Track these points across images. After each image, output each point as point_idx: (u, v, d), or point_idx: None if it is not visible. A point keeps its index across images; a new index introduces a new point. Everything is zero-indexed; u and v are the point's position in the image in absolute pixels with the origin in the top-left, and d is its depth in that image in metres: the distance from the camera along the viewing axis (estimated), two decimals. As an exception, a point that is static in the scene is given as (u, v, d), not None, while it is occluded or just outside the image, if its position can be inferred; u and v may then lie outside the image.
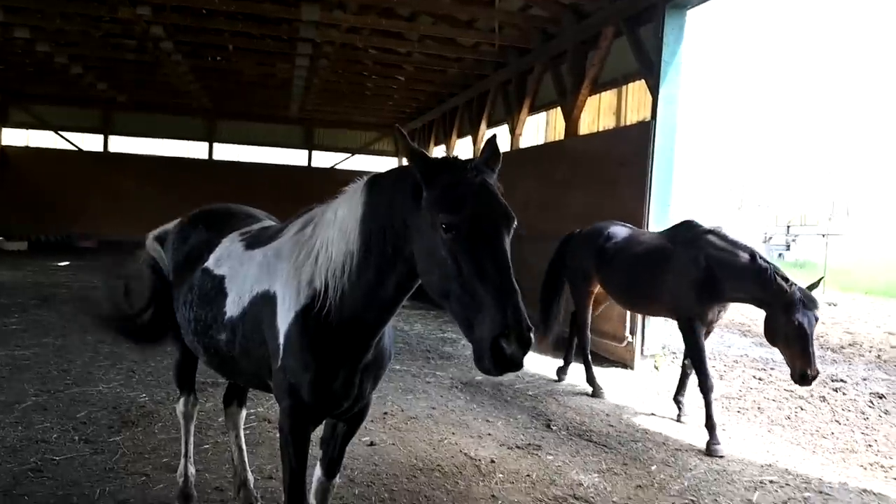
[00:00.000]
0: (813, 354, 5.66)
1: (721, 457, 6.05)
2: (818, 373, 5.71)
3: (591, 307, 8.33)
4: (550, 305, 8.50)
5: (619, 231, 7.87)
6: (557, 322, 8.50)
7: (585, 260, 7.92)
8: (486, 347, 2.36)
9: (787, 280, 5.80)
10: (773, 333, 5.90)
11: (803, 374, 5.65)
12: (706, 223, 6.84)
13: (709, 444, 6.20)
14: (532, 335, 2.37)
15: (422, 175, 2.65)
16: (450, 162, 2.70)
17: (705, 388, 6.37)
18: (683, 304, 6.62)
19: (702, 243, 6.56)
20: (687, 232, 6.89)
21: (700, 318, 6.54)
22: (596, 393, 7.95)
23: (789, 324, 5.66)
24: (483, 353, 2.39)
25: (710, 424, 6.27)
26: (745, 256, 6.15)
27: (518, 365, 2.39)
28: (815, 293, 5.87)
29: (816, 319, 5.74)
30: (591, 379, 8.08)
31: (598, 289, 8.11)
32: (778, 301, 5.76)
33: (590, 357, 8.20)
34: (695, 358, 6.58)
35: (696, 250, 6.55)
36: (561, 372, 8.61)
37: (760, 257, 6.07)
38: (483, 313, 2.40)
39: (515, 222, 2.62)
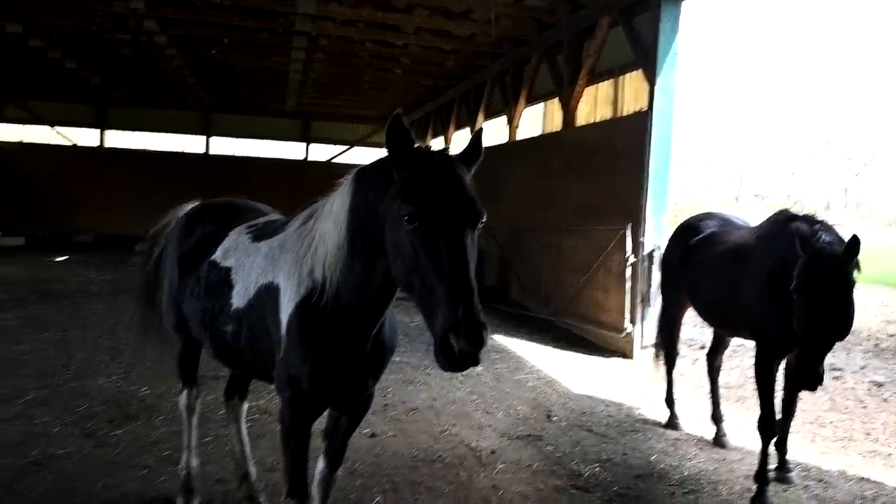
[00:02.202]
0: None
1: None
2: None
3: (678, 322, 6.83)
4: (663, 326, 6.97)
5: (709, 225, 6.32)
6: (672, 344, 6.89)
7: (673, 264, 6.56)
8: (437, 343, 2.36)
9: None
10: None
11: None
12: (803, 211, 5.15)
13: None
14: (484, 333, 2.33)
15: (395, 163, 2.64)
16: (419, 151, 2.66)
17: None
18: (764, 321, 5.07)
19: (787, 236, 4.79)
20: (774, 224, 5.25)
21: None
22: (671, 422, 6.66)
23: None
24: (434, 348, 2.39)
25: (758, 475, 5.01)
26: None
27: (471, 361, 2.35)
28: None
29: None
30: (669, 400, 6.76)
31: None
32: None
33: (672, 378, 6.83)
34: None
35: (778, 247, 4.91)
36: (669, 403, 6.78)
37: None
38: (437, 308, 2.39)
39: (484, 217, 2.57)
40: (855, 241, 4.24)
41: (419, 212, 2.47)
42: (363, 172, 2.97)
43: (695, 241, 6.18)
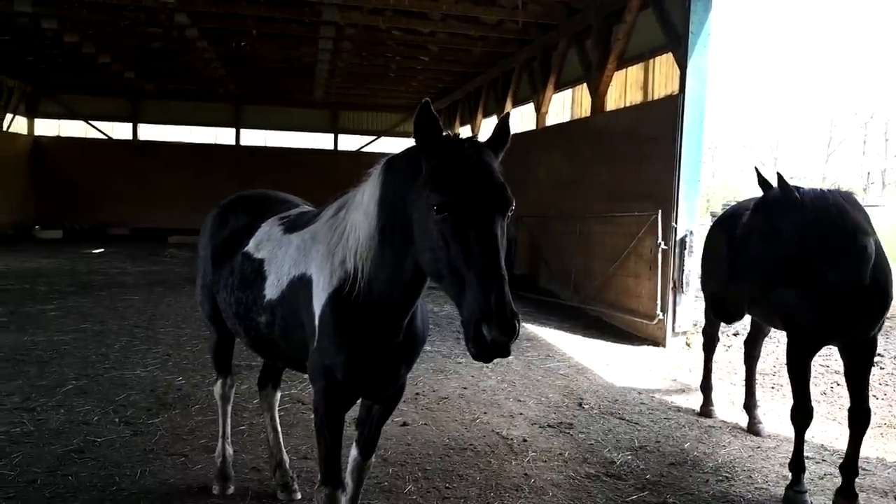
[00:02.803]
0: None
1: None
2: None
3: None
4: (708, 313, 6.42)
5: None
6: (714, 332, 6.65)
7: (716, 252, 6.20)
8: (470, 333, 2.36)
9: None
10: None
11: None
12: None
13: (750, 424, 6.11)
14: (516, 322, 2.33)
15: (423, 152, 2.63)
16: (448, 140, 2.65)
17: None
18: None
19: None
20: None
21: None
22: (704, 409, 6.53)
23: None
24: (466, 336, 2.38)
25: (794, 462, 4.81)
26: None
27: (503, 351, 2.35)
28: None
29: None
30: (705, 387, 6.59)
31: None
32: None
33: (711, 365, 6.63)
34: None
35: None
36: (705, 390, 6.65)
37: None
38: (467, 297, 2.39)
39: (513, 205, 2.56)
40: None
41: (448, 201, 2.47)
42: (392, 162, 2.96)
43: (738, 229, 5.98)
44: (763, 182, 4.43)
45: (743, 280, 4.33)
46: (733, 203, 6.69)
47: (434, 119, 2.62)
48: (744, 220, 4.46)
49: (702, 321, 10.13)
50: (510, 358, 8.13)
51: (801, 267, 4.28)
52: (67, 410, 5.86)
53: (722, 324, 6.54)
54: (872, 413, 4.71)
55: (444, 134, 2.68)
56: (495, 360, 2.49)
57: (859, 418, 4.67)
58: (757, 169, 4.43)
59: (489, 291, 2.34)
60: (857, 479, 4.67)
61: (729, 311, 4.44)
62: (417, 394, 6.73)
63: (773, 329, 6.56)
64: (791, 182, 4.39)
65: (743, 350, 6.57)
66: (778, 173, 4.34)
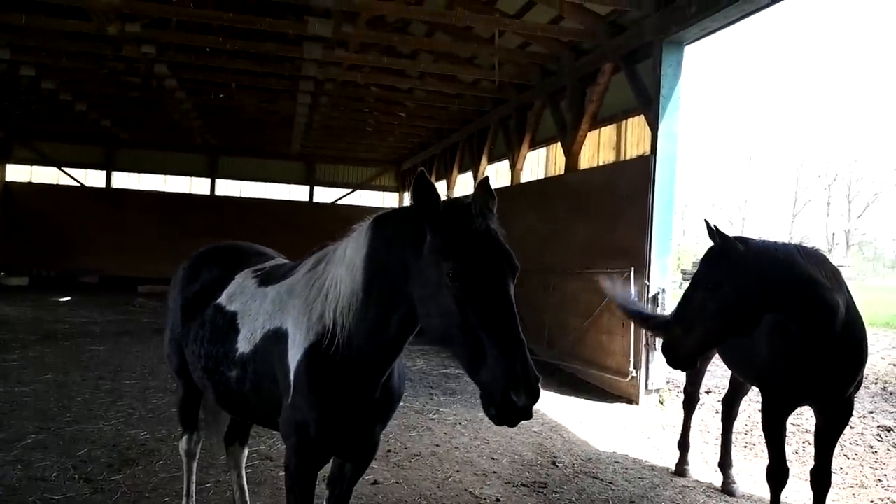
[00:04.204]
0: None
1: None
2: None
3: (702, 368, 6.48)
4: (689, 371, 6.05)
5: None
6: (695, 389, 6.65)
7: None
8: (498, 400, 2.38)
9: None
10: None
11: None
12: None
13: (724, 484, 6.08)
14: (539, 385, 2.39)
15: (427, 220, 2.65)
16: (456, 206, 2.69)
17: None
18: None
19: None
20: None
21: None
22: (679, 468, 6.49)
23: None
24: (493, 403, 2.41)
25: None
26: None
27: (528, 415, 2.41)
28: None
29: None
30: (683, 445, 6.55)
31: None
32: None
33: (690, 423, 6.63)
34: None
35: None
36: (682, 448, 6.58)
37: None
38: (490, 363, 2.41)
39: (519, 269, 2.63)
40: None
41: (465, 269, 2.50)
42: (383, 221, 2.97)
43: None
44: (713, 234, 4.52)
45: (691, 330, 4.36)
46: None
47: (432, 187, 2.66)
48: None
49: (675, 379, 10.20)
50: (481, 414, 8.05)
51: (745, 317, 4.31)
52: (25, 466, 5.63)
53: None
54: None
55: (446, 200, 2.72)
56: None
57: (822, 481, 4.70)
58: (707, 221, 4.55)
59: (514, 358, 2.39)
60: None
61: (680, 360, 4.47)
62: (389, 451, 6.60)
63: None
64: (742, 235, 4.46)
65: (719, 408, 6.57)
66: (714, 225, 4.41)
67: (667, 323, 4.50)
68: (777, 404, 4.73)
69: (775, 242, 4.48)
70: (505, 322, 2.45)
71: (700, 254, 6.78)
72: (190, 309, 3.91)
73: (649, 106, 9.89)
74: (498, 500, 5.56)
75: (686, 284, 6.46)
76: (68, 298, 19.20)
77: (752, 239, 4.44)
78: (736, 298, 4.23)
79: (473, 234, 2.58)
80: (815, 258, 4.46)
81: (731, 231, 4.72)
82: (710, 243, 4.49)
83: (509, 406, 2.36)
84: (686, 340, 4.38)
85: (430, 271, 2.61)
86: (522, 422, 2.49)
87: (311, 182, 28.88)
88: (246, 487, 4.41)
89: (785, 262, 4.28)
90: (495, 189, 2.88)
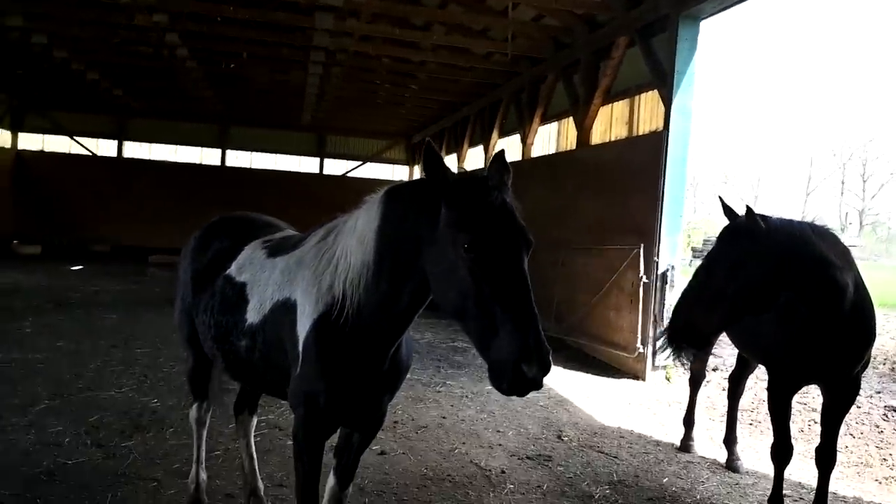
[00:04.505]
0: None
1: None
2: None
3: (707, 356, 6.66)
4: None
5: None
6: (701, 366, 6.68)
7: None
8: (508, 370, 2.39)
9: None
10: None
11: None
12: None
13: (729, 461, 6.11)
14: (550, 357, 2.42)
15: (443, 193, 2.65)
16: (472, 180, 2.68)
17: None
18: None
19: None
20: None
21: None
22: (684, 444, 6.53)
23: None
24: (503, 375, 2.41)
25: (772, 500, 4.92)
26: None
27: (537, 385, 2.42)
28: None
29: None
30: (688, 422, 6.59)
31: None
32: None
33: (696, 399, 6.64)
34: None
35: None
36: (687, 425, 6.63)
37: None
38: (503, 336, 2.42)
39: (533, 244, 2.63)
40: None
41: (480, 243, 2.50)
42: (395, 194, 2.96)
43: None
44: (728, 211, 4.47)
45: (712, 309, 4.30)
46: (713, 239, 6.68)
47: (440, 159, 2.67)
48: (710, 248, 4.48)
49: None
50: (488, 387, 8.11)
51: (765, 296, 4.27)
52: (38, 431, 5.73)
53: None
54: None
55: (463, 173, 2.73)
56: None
57: (827, 458, 4.72)
58: (721, 198, 4.50)
59: (527, 331, 2.40)
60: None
61: (700, 340, 4.43)
62: (396, 422, 6.67)
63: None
64: (759, 212, 4.39)
65: (725, 386, 6.59)
66: (740, 205, 4.38)
67: (694, 310, 4.37)
68: (783, 382, 4.74)
69: (791, 220, 4.45)
70: (519, 295, 2.46)
71: (711, 232, 6.68)
72: (200, 279, 3.93)
73: (663, 81, 9.78)
74: (503, 471, 5.62)
75: (696, 262, 6.43)
76: (80, 267, 19.36)
77: (770, 216, 4.40)
78: (759, 276, 4.17)
79: (489, 208, 2.57)
80: (827, 237, 4.43)
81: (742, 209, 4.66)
82: (725, 222, 4.45)
83: (520, 378, 2.37)
84: (707, 320, 4.32)
85: (444, 244, 2.61)
86: (531, 394, 2.51)
87: (322, 154, 28.79)
88: (255, 455, 4.47)
89: (801, 241, 4.24)
90: None
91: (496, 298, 2.45)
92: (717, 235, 4.52)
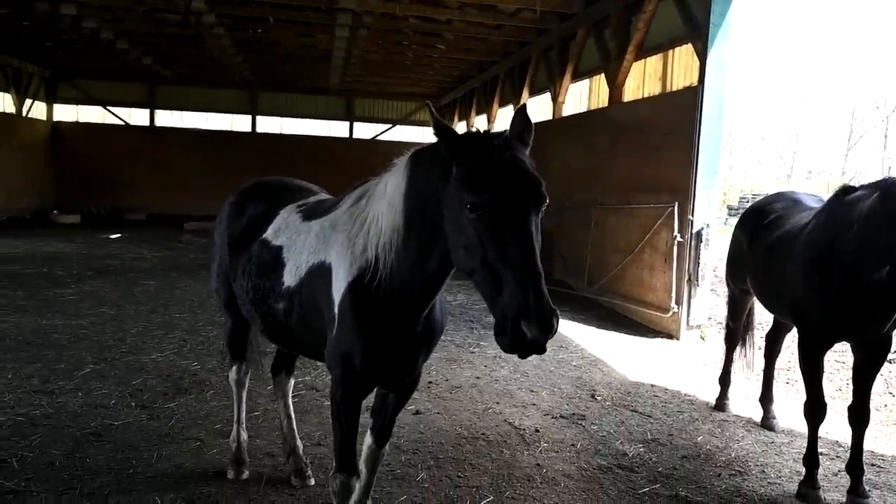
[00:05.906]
0: None
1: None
2: None
3: (744, 307, 6.46)
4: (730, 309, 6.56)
5: (777, 208, 5.79)
6: (735, 326, 6.59)
7: (739, 248, 6.14)
8: (507, 327, 2.36)
9: None
10: None
11: None
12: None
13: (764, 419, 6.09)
14: (554, 319, 2.35)
15: (449, 152, 2.63)
16: (478, 137, 2.66)
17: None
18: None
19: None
20: (829, 202, 4.88)
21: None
22: (719, 403, 6.53)
23: None
24: (503, 332, 2.39)
25: (807, 458, 4.85)
26: None
27: (539, 348, 2.38)
28: None
29: None
30: (724, 381, 6.58)
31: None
32: None
33: (732, 359, 6.59)
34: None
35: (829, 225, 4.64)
36: (723, 384, 6.63)
37: None
38: (504, 294, 2.40)
39: (547, 201, 2.57)
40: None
41: (483, 200, 2.48)
42: (420, 156, 2.96)
43: (761, 225, 5.73)
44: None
45: (872, 266, 4.16)
46: (749, 196, 6.51)
47: (439, 119, 2.67)
48: (863, 205, 4.28)
49: (717, 315, 10.12)
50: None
51: None
52: (85, 394, 5.93)
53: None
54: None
55: (475, 131, 2.70)
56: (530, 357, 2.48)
57: (860, 417, 4.67)
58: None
59: (527, 289, 2.36)
60: (871, 477, 4.63)
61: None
62: (430, 383, 6.76)
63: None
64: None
65: (762, 345, 6.52)
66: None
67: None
68: (814, 340, 4.71)
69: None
70: (522, 253, 2.42)
71: (750, 189, 6.54)
72: (237, 244, 3.99)
73: (698, 34, 9.51)
74: (537, 430, 5.67)
75: (733, 221, 6.30)
76: (118, 235, 19.75)
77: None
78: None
79: (493, 165, 2.53)
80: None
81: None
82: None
83: (519, 336, 2.34)
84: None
85: (453, 204, 2.61)
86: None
87: (351, 118, 28.76)
88: (293, 415, 4.58)
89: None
90: (536, 123, 2.81)
91: (499, 257, 2.43)
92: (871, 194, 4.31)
